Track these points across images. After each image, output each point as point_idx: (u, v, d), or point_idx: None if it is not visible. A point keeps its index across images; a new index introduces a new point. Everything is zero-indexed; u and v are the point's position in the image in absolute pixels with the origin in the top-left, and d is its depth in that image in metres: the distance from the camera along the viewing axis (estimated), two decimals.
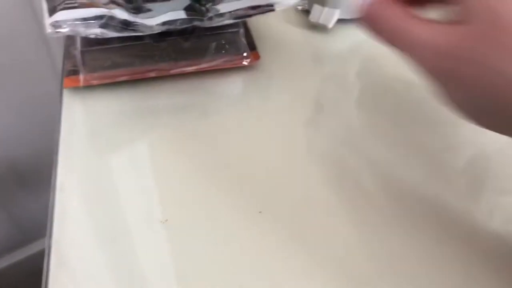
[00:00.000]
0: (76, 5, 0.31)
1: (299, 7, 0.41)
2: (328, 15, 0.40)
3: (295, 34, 0.41)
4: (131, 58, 0.34)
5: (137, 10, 0.33)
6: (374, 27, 0.24)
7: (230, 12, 0.34)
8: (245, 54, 0.36)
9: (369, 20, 0.25)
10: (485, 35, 0.21)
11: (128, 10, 0.33)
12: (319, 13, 0.40)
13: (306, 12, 0.41)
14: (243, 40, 0.36)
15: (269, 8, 0.35)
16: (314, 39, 0.40)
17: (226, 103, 0.35)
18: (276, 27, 0.41)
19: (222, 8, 0.34)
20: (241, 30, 0.36)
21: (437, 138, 0.33)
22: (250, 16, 0.35)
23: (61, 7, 0.31)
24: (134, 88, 0.35)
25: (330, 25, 0.40)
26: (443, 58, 0.22)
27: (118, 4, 0.32)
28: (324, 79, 0.38)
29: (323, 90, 0.37)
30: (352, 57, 0.39)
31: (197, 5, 0.34)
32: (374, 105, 0.35)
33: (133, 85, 0.35)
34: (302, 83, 0.37)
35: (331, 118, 0.34)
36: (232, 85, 0.36)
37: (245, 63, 0.36)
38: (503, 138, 0.22)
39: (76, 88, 0.34)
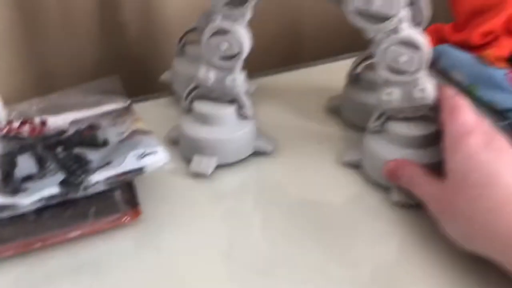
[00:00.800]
0: None
1: (167, 167, 0.44)
2: (207, 163, 0.44)
3: (179, 183, 0.44)
4: (14, 233, 0.37)
5: (14, 191, 0.37)
6: (400, 178, 0.40)
7: (102, 180, 0.38)
8: (125, 213, 0.40)
9: (397, 173, 0.40)
10: (455, 190, 0.34)
11: (4, 193, 0.37)
12: (198, 162, 0.44)
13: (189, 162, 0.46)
14: (121, 200, 0.40)
15: (139, 172, 0.39)
16: (196, 186, 0.44)
17: (117, 260, 0.38)
18: (160, 179, 0.44)
19: (95, 178, 0.38)
20: (118, 192, 0.40)
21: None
22: (123, 181, 0.39)
23: None
24: (23, 259, 0.38)
25: (209, 172, 0.44)
26: (437, 204, 0.36)
27: None
28: (210, 220, 0.41)
29: (215, 230, 0.40)
30: (232, 197, 0.44)
31: (71, 179, 0.38)
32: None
33: (22, 256, 0.38)
34: (189, 228, 0.40)
35: (226, 256, 0.37)
36: (122, 242, 0.39)
37: (126, 221, 0.40)
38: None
39: None
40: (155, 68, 0.64)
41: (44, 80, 0.61)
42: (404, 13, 0.36)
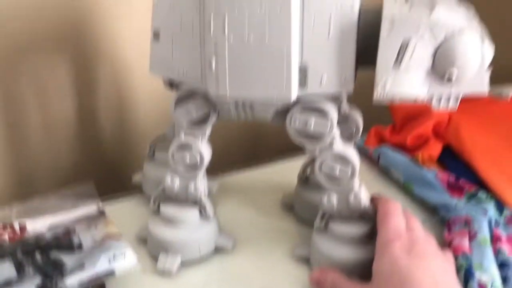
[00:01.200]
0: None
1: (134, 269, 0.47)
2: (172, 262, 0.48)
3: (147, 281, 0.48)
4: None
5: None
6: (325, 285, 0.44)
7: (77, 283, 0.42)
8: None
9: (320, 280, 0.44)
10: None
11: None
12: (164, 261, 0.48)
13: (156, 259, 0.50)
14: None
15: (110, 274, 0.43)
16: (163, 283, 0.48)
17: None
18: (130, 277, 0.47)
19: (69, 281, 0.42)
20: None
21: None
22: (95, 283, 0.43)
23: None
24: None
25: (174, 270, 0.48)
26: None
27: None
28: None
29: None
30: None
31: (48, 281, 0.42)
32: None
33: None
34: None
35: None
36: None
37: None
38: None
39: None
40: (127, 170, 0.69)
41: (23, 184, 0.66)
42: (336, 131, 0.43)
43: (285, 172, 0.65)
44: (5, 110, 0.63)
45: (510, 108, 0.68)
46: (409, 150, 0.62)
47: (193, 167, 0.48)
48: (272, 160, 0.69)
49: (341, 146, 0.44)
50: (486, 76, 0.39)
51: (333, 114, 0.42)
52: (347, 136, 0.49)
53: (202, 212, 0.50)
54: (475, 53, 0.38)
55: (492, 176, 0.54)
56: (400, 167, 0.60)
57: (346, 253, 0.46)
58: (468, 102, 0.67)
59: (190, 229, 0.49)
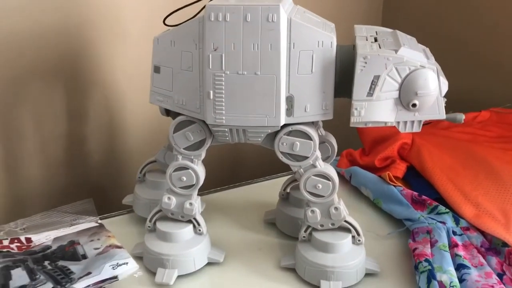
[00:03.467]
0: None
1: (136, 275, 0.52)
2: (169, 275, 0.52)
3: None
4: None
5: None
6: None
7: (84, 287, 0.47)
8: None
9: None
10: None
11: None
12: (162, 274, 0.53)
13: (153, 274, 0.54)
14: None
15: (114, 279, 0.48)
16: None
17: None
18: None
19: (78, 286, 0.47)
20: None
21: None
22: (100, 287, 0.48)
23: None
24: None
25: (171, 283, 0.52)
26: None
27: None
28: None
29: None
30: None
31: (58, 287, 0.47)
32: None
33: None
34: None
35: None
36: None
37: None
38: None
39: None
40: (116, 193, 0.73)
41: (18, 205, 0.69)
42: (318, 153, 0.50)
43: (265, 191, 0.71)
44: (2, 133, 0.67)
45: (464, 131, 0.76)
46: (377, 170, 0.69)
47: (189, 187, 0.53)
48: (251, 180, 0.75)
49: (323, 165, 0.50)
50: (442, 104, 0.46)
51: (316, 137, 0.49)
52: (323, 158, 0.55)
53: (196, 228, 0.55)
54: (433, 85, 0.45)
55: (450, 192, 0.61)
56: (369, 185, 0.67)
57: (330, 260, 0.51)
58: (428, 128, 0.75)
59: (186, 245, 0.54)
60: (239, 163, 0.88)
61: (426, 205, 0.61)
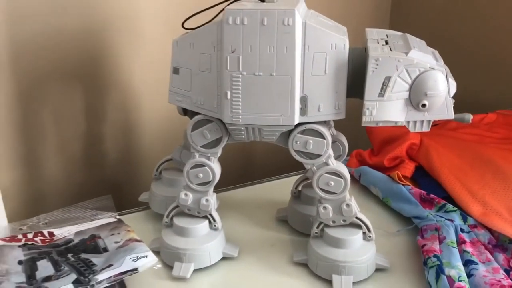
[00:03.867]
0: None
1: (156, 267, 0.55)
2: (186, 269, 0.55)
3: (164, 286, 0.54)
4: None
5: None
6: None
7: (106, 279, 0.49)
8: None
9: None
10: None
11: None
12: (179, 268, 0.55)
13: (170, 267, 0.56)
14: None
15: (134, 271, 0.50)
16: (178, 287, 0.54)
17: None
18: (147, 282, 0.54)
19: (100, 277, 0.49)
20: None
21: None
22: (121, 279, 0.50)
23: None
24: None
25: (188, 276, 0.54)
26: None
27: None
28: None
29: None
30: None
31: (82, 278, 0.49)
32: None
33: None
34: None
35: None
36: None
37: None
38: None
39: None
40: (132, 190, 0.76)
41: (37, 201, 0.72)
42: (330, 151, 0.52)
43: (276, 189, 0.73)
44: (26, 131, 0.69)
45: (471, 132, 0.77)
46: (386, 169, 0.71)
47: (206, 184, 0.55)
48: (263, 179, 0.76)
49: (335, 163, 0.52)
50: (451, 104, 0.48)
51: (328, 136, 0.51)
52: (334, 157, 0.57)
53: (212, 224, 0.57)
54: (442, 86, 0.47)
55: (458, 191, 0.63)
56: (379, 184, 0.69)
57: (342, 255, 0.53)
58: (436, 129, 0.77)
59: (202, 240, 0.56)
60: (250, 162, 0.90)
61: (434, 203, 0.62)
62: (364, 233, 0.55)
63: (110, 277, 0.49)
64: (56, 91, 0.70)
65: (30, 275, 0.49)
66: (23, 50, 0.66)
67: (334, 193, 0.53)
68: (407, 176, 0.69)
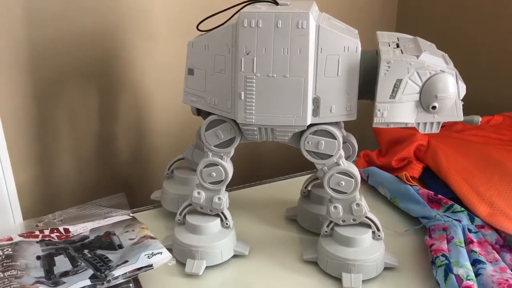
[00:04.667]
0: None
1: (170, 264, 0.55)
2: (198, 266, 0.56)
3: (175, 282, 0.55)
4: None
5: (55, 284, 0.48)
6: None
7: (121, 274, 0.50)
8: None
9: None
10: None
11: (48, 285, 0.47)
12: (191, 265, 0.56)
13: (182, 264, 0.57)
14: None
15: (149, 268, 0.51)
16: (189, 283, 0.55)
17: None
18: (161, 279, 0.55)
19: (116, 273, 0.50)
20: (131, 284, 0.51)
21: None
22: (136, 275, 0.51)
23: None
24: None
25: (200, 273, 0.55)
26: None
27: (41, 283, 0.47)
28: None
29: None
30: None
31: (98, 273, 0.50)
32: None
33: None
34: None
35: None
36: None
37: None
38: None
39: None
40: (143, 188, 0.77)
41: (52, 198, 0.73)
42: (342, 152, 0.53)
43: (285, 189, 0.74)
44: (41, 130, 0.70)
45: (477, 134, 0.78)
46: (394, 170, 0.72)
47: (218, 182, 0.56)
48: (272, 179, 0.78)
49: (346, 163, 0.53)
50: (460, 107, 0.49)
51: (340, 136, 0.52)
52: (345, 157, 0.58)
53: (224, 222, 0.58)
54: (452, 88, 0.48)
55: (465, 192, 0.64)
56: (387, 184, 0.70)
57: (352, 254, 0.54)
58: (443, 130, 0.78)
59: (213, 237, 0.57)
60: (259, 162, 0.91)
61: (442, 204, 0.63)
62: (373, 232, 0.56)
63: (125, 273, 0.50)
64: (71, 91, 0.71)
65: (49, 270, 0.50)
66: (39, 51, 0.67)
67: (345, 193, 0.54)
68: (415, 177, 0.70)
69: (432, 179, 0.69)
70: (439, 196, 0.64)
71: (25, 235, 0.55)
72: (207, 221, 0.58)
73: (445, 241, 0.57)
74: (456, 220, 0.60)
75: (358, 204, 0.54)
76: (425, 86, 0.48)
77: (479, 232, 0.59)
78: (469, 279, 0.50)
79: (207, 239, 0.57)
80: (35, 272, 0.49)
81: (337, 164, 0.53)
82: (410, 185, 0.67)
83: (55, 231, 0.56)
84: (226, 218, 0.58)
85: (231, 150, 0.55)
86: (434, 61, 0.48)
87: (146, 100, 0.77)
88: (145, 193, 0.70)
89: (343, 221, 0.55)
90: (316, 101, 0.50)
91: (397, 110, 0.49)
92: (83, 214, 0.60)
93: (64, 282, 0.49)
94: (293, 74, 0.49)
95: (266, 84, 0.50)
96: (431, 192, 0.65)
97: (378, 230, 0.56)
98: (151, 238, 0.55)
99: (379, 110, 0.49)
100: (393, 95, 0.48)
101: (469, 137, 0.77)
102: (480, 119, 0.51)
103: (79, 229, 0.57)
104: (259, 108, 0.51)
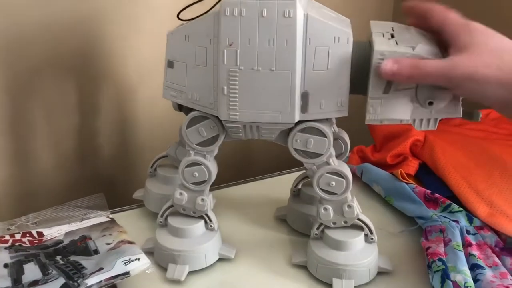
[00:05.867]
0: None
1: (149, 271, 0.51)
2: (180, 271, 0.52)
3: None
4: None
5: None
6: (401, 71, 0.43)
7: (96, 283, 0.47)
8: None
9: (395, 68, 0.43)
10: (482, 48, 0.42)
11: None
12: (173, 270, 0.53)
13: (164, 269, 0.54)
14: None
15: (126, 275, 0.48)
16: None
17: None
18: (140, 284, 0.52)
19: (90, 281, 0.47)
20: None
21: None
22: (112, 283, 0.47)
23: None
24: None
25: (183, 279, 0.52)
26: (460, 69, 0.41)
27: None
28: None
29: None
30: None
31: (71, 282, 0.46)
32: None
33: None
34: None
35: None
36: None
37: None
38: None
39: None
40: (126, 187, 0.73)
41: (29, 197, 0.69)
42: (332, 151, 0.49)
43: (275, 187, 0.71)
44: (16, 127, 0.67)
45: (476, 128, 0.75)
46: (389, 167, 0.69)
47: (201, 183, 0.53)
48: (262, 176, 0.74)
49: (336, 163, 0.50)
50: (459, 102, 0.45)
51: (330, 134, 0.48)
52: (336, 155, 0.55)
53: (208, 224, 0.55)
54: None
55: (463, 190, 0.61)
56: (381, 182, 0.67)
57: (343, 258, 0.51)
58: (440, 124, 0.75)
59: (197, 240, 0.54)
60: (248, 157, 0.87)
61: (439, 203, 0.60)
62: (366, 235, 0.52)
63: (100, 281, 0.47)
64: (47, 84, 0.67)
65: (16, 279, 0.47)
66: (12, 42, 0.63)
67: (335, 194, 0.50)
68: (411, 174, 0.67)
69: (428, 176, 0.66)
70: (436, 195, 0.61)
71: None
72: (190, 224, 0.54)
73: (442, 244, 0.54)
74: (453, 221, 0.57)
75: (349, 206, 0.51)
76: None
77: (478, 234, 0.56)
78: (467, 286, 0.47)
79: (190, 242, 0.54)
80: (1, 281, 0.46)
81: (327, 163, 0.50)
82: (406, 183, 0.64)
83: (28, 235, 0.53)
84: (210, 220, 0.55)
85: (215, 149, 0.52)
86: (431, 52, 0.45)
87: (128, 94, 0.74)
88: (129, 192, 0.66)
89: (334, 223, 0.52)
90: (304, 96, 0.47)
91: (391, 106, 0.45)
92: (59, 216, 0.56)
93: None
94: (280, 68, 0.45)
95: (251, 78, 0.46)
96: (427, 190, 0.62)
97: (371, 233, 0.52)
98: (129, 242, 0.52)
99: (371, 106, 0.45)
100: (386, 90, 0.45)
101: (468, 132, 0.74)
102: (481, 114, 0.47)
103: (53, 232, 0.54)
104: (244, 104, 0.47)
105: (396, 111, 0.46)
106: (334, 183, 0.50)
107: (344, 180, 0.50)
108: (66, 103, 0.69)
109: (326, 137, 0.48)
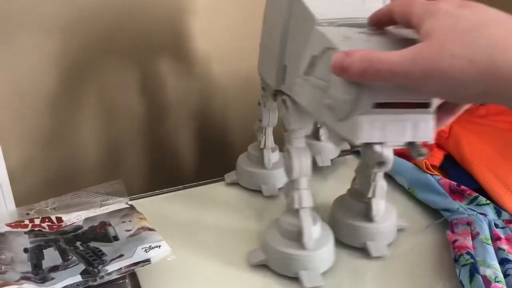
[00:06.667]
0: None
1: (169, 258, 0.50)
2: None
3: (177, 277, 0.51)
4: None
5: (43, 280, 0.44)
6: (351, 66, 0.34)
7: (116, 270, 0.46)
8: None
9: (345, 63, 0.34)
10: (446, 37, 0.31)
11: (36, 281, 0.43)
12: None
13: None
14: (130, 286, 0.47)
15: (146, 262, 0.47)
16: (192, 278, 0.51)
17: None
18: (159, 273, 0.51)
19: (110, 268, 0.46)
20: (127, 280, 0.47)
21: None
22: (132, 270, 0.47)
23: None
24: None
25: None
26: (417, 64, 0.32)
27: (27, 279, 0.43)
28: None
29: None
30: None
31: (91, 268, 0.46)
32: None
33: None
34: None
35: None
36: None
37: None
38: None
39: None
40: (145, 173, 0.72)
41: (47, 184, 0.69)
42: None
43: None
44: (34, 111, 0.66)
45: (502, 120, 0.73)
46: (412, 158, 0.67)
47: None
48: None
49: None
50: None
51: None
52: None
53: None
54: None
55: (490, 182, 0.59)
56: (405, 173, 0.65)
57: (289, 247, 0.49)
58: (466, 115, 0.73)
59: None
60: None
61: (465, 195, 0.58)
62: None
63: (120, 268, 0.46)
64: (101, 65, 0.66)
65: (36, 264, 0.46)
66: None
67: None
68: (436, 166, 0.65)
69: (454, 168, 0.64)
70: (462, 187, 0.59)
71: (13, 224, 0.50)
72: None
73: (470, 237, 0.52)
74: (481, 214, 0.55)
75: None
76: None
77: (507, 228, 0.54)
78: (497, 281, 0.46)
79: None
80: (21, 266, 0.45)
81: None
82: (431, 174, 0.62)
83: (47, 220, 0.52)
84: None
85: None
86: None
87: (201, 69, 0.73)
88: (150, 178, 0.65)
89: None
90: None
91: None
92: (78, 202, 0.56)
93: (53, 278, 0.44)
94: None
95: None
96: (453, 182, 0.60)
97: None
98: (149, 229, 0.51)
99: None
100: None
101: (494, 123, 0.72)
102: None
103: (72, 218, 0.53)
104: None
105: None
106: None
107: None
108: (86, 85, 0.68)
109: None
